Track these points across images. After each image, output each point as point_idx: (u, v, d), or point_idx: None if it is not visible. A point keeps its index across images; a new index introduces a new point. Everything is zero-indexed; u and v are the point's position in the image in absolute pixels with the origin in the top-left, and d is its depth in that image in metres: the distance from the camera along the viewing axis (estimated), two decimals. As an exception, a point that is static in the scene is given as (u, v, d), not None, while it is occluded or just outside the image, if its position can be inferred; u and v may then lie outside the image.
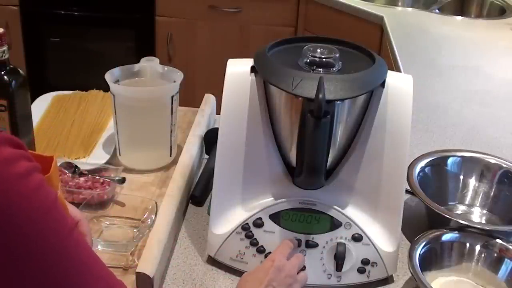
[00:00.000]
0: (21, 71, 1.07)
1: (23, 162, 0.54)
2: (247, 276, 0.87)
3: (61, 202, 0.60)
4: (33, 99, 1.31)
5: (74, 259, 0.58)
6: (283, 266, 0.87)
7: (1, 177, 0.52)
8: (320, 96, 0.80)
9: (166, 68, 1.22)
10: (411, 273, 0.90)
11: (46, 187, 0.57)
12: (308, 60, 0.90)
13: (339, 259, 0.92)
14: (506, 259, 0.96)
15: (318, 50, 0.90)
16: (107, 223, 1.04)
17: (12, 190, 0.53)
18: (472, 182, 1.13)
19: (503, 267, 0.96)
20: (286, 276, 0.86)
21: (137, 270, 0.86)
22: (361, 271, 0.93)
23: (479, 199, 1.13)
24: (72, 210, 0.85)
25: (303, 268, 0.92)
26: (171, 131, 1.19)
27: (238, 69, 0.93)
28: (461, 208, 1.13)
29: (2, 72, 1.03)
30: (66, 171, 1.13)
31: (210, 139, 1.22)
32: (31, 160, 0.56)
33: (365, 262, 0.93)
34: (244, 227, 0.94)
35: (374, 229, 0.94)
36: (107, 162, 1.20)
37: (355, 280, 0.94)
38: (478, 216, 1.11)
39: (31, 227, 0.53)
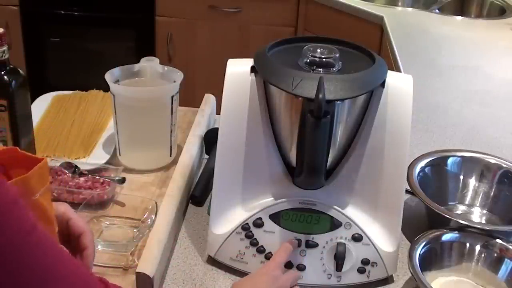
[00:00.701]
0: (21, 71, 1.07)
1: None
2: (243, 281, 0.88)
3: (39, 204, 0.58)
4: (33, 99, 1.31)
5: (33, 260, 0.57)
6: (278, 277, 0.88)
7: None
8: (320, 96, 0.80)
9: (166, 68, 1.22)
10: (411, 273, 0.90)
11: (3, 187, 0.56)
12: (308, 60, 0.90)
13: (339, 259, 0.92)
14: (506, 259, 0.96)
15: (318, 50, 0.90)
16: (107, 223, 1.04)
17: None
18: (472, 182, 1.13)
19: (503, 267, 0.96)
20: (280, 287, 0.87)
21: (137, 270, 0.86)
22: (361, 271, 0.93)
23: (479, 199, 1.13)
24: (77, 222, 0.82)
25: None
26: (171, 131, 1.19)
27: (238, 69, 0.93)
28: (461, 208, 1.13)
29: (2, 72, 1.03)
30: (66, 171, 1.13)
31: (210, 139, 1.22)
32: None
33: (365, 262, 0.93)
34: (244, 227, 0.94)
35: (374, 229, 0.94)
36: (107, 162, 1.20)
37: (355, 280, 0.94)
38: (478, 216, 1.11)
39: None
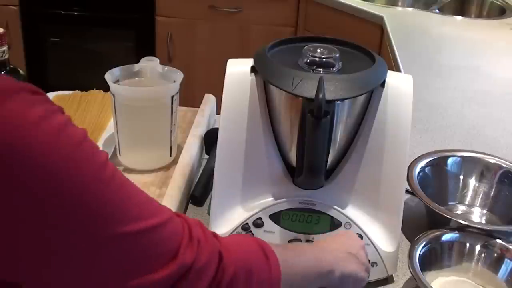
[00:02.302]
0: (21, 71, 1.07)
1: (43, 106, 0.55)
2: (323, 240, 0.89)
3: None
4: (33, 99, 1.31)
5: (108, 191, 0.58)
6: (357, 238, 0.90)
7: (24, 120, 0.53)
8: (320, 96, 0.80)
9: (166, 68, 1.22)
10: (411, 273, 0.90)
11: (72, 125, 0.58)
12: (308, 60, 0.90)
13: (339, 259, 0.92)
14: (506, 259, 0.96)
15: (318, 50, 0.90)
16: (107, 223, 1.03)
17: (36, 130, 0.53)
18: (472, 182, 1.13)
19: (503, 267, 0.96)
20: (360, 247, 0.88)
21: (137, 270, 0.86)
22: (361, 271, 0.93)
23: (479, 199, 1.13)
24: None
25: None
26: (171, 131, 1.19)
27: (238, 69, 0.93)
28: (461, 208, 1.13)
29: (2, 72, 1.03)
30: (66, 171, 1.12)
31: (210, 139, 1.22)
32: (52, 105, 0.57)
33: (365, 262, 0.93)
34: (244, 227, 0.94)
35: (374, 229, 0.94)
36: (107, 162, 1.19)
37: (355, 280, 0.94)
38: (478, 216, 1.12)
39: (63, 164, 0.54)
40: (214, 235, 0.69)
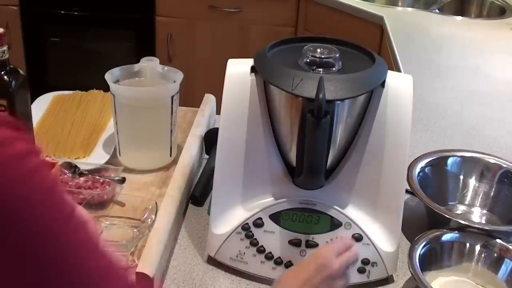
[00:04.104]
0: (21, 71, 1.07)
1: (19, 144, 0.53)
2: (289, 271, 0.86)
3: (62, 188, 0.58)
4: (33, 99, 1.31)
5: (72, 244, 0.55)
6: (328, 263, 0.81)
7: None
8: (320, 96, 0.80)
9: (166, 68, 1.22)
10: (411, 273, 0.90)
11: (45, 170, 0.55)
12: (308, 60, 0.90)
13: (339, 259, 0.92)
14: (506, 259, 0.96)
15: (318, 50, 0.90)
16: (107, 223, 1.04)
17: (7, 171, 0.51)
18: (472, 182, 1.13)
19: (503, 267, 0.96)
20: (329, 275, 0.80)
21: (137, 270, 0.86)
22: (361, 271, 0.93)
23: (479, 199, 1.13)
24: (80, 210, 0.83)
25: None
26: (171, 131, 1.20)
27: (238, 69, 0.93)
28: (461, 208, 1.13)
29: (2, 72, 1.03)
30: (66, 171, 1.13)
31: (210, 139, 1.22)
32: (30, 143, 0.55)
33: (365, 262, 0.93)
34: (244, 227, 0.94)
35: (374, 229, 0.94)
36: (107, 162, 1.20)
37: (355, 280, 0.94)
38: (478, 216, 1.12)
39: (29, 210, 0.52)
40: None
